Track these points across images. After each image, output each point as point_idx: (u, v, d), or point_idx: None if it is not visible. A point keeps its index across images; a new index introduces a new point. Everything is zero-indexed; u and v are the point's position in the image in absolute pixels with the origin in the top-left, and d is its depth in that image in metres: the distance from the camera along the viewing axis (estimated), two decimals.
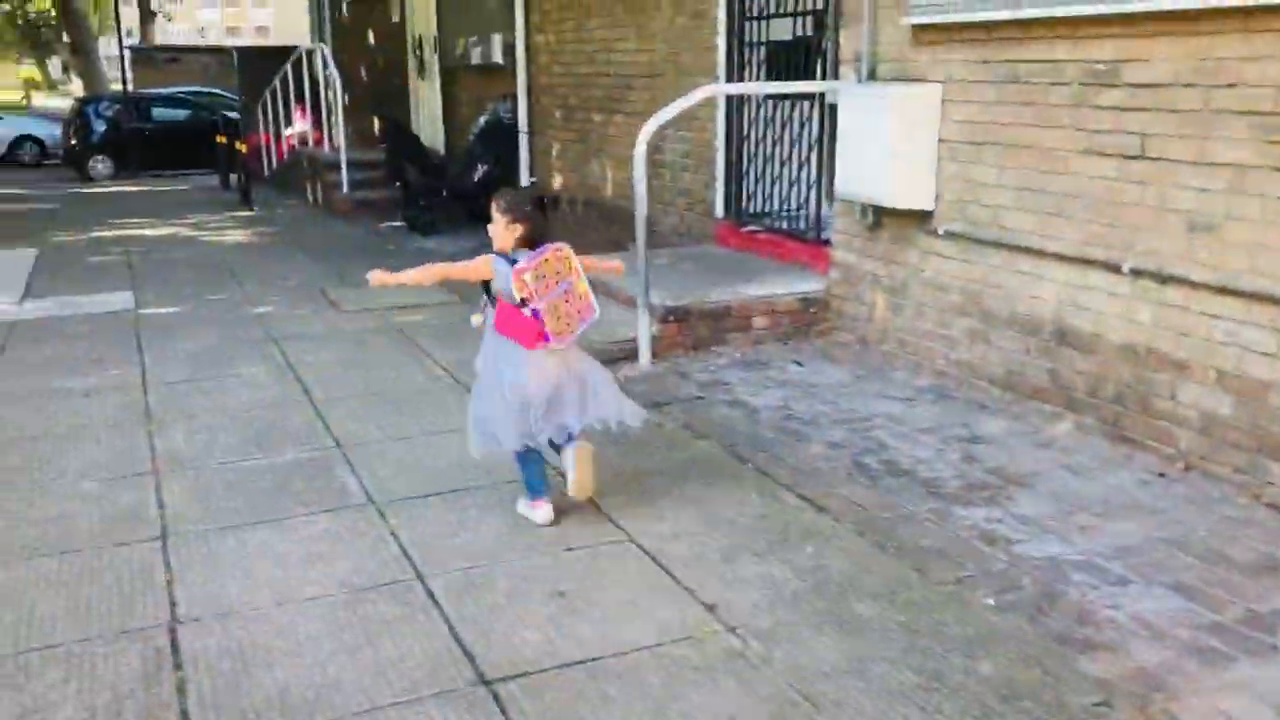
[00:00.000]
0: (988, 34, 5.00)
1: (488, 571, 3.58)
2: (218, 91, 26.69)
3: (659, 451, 4.63)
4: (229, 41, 71.80)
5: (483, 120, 10.78)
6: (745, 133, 7.15)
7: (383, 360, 6.07)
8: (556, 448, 3.89)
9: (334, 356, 6.18)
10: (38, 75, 72.34)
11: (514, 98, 10.50)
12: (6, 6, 62.72)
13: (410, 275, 3.96)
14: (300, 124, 18.01)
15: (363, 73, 16.17)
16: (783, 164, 6.76)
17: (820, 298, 6.22)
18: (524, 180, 10.51)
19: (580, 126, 9.39)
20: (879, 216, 5.78)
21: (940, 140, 5.34)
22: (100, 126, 21.15)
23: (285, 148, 16.61)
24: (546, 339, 3.74)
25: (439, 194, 10.84)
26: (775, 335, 6.18)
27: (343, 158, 12.15)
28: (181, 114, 22.16)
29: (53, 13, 48.20)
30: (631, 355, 5.87)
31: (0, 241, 10.68)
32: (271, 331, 6.78)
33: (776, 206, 6.96)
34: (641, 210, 5.80)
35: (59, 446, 4.76)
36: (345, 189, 12.15)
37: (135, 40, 44.04)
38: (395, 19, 14.40)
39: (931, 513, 3.93)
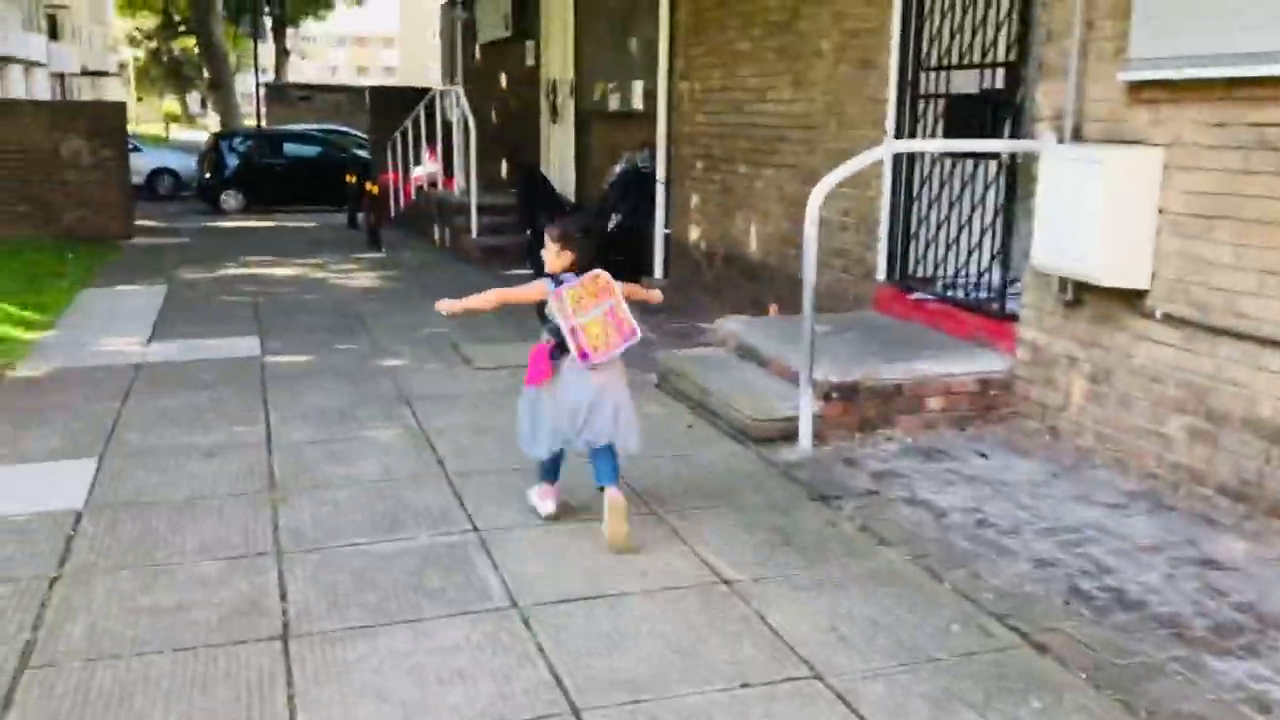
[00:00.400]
0: (1228, 92, 4.36)
1: (653, 710, 3.04)
2: (347, 130, 27.11)
3: (836, 558, 4.05)
4: (357, 80, 73.90)
5: (619, 168, 10.39)
6: (915, 192, 6.57)
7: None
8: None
9: (467, 420, 5.75)
10: (178, 110, 75.37)
11: (652, 146, 10.09)
12: (154, 44, 65.55)
13: (474, 301, 4.39)
14: (429, 165, 18.00)
15: (493, 116, 16.01)
16: (961, 228, 6.15)
17: (1003, 379, 5.58)
18: (659, 233, 10.07)
19: (724, 178, 8.91)
20: (1079, 292, 5.13)
21: (1160, 211, 4.69)
22: (232, 161, 21.49)
23: (412, 189, 16.54)
24: (585, 356, 4.04)
25: None
26: (951, 419, 5.55)
27: (473, 201, 11.90)
28: (312, 150, 22.42)
29: (195, 50, 50.08)
30: (790, 435, 5.31)
31: (133, 276, 10.64)
32: (401, 388, 6.40)
33: (949, 273, 6.35)
34: (810, 276, 5.25)
35: (178, 518, 4.38)
36: (475, 234, 11.88)
37: (270, 77, 45.43)
38: (530, 63, 14.19)
39: (1180, 664, 3.27)
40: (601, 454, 4.16)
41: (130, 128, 17.63)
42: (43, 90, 54.97)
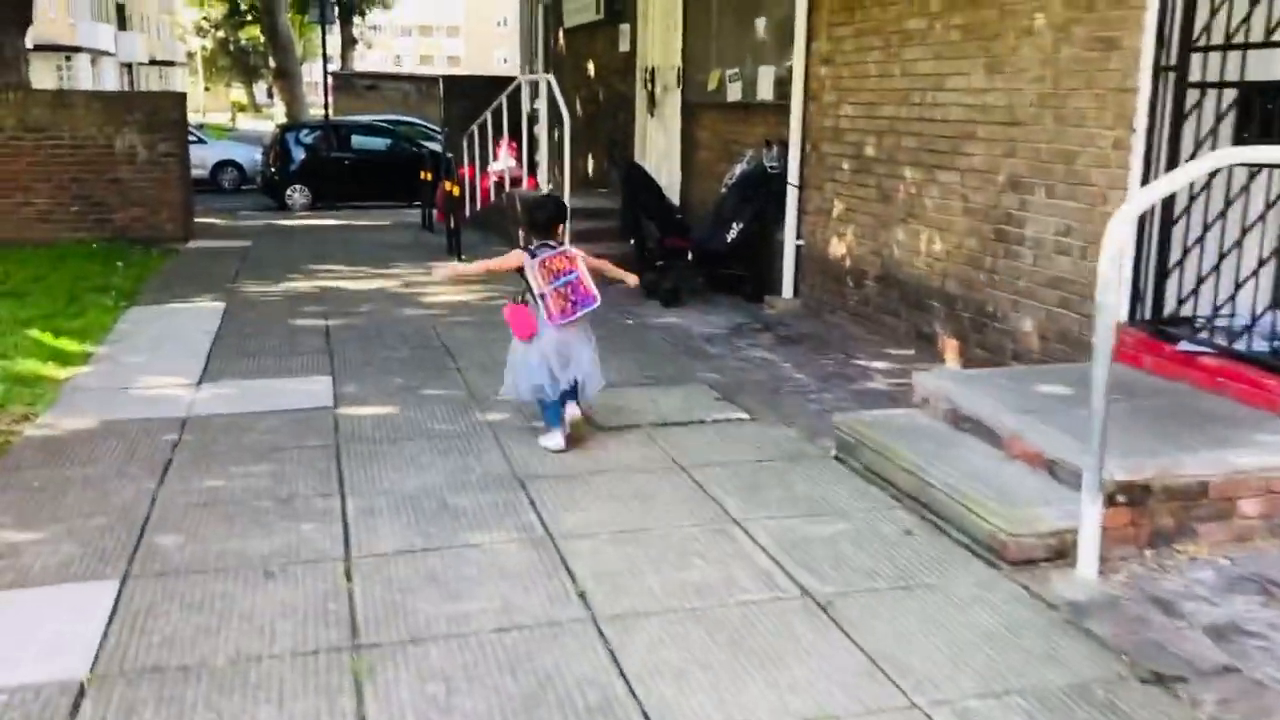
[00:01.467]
0: None
1: None
2: (417, 121, 25.88)
3: None
4: (421, 70, 72.94)
5: (740, 169, 8.89)
6: (1179, 209, 5.00)
7: (676, 532, 4.16)
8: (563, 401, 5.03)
9: (607, 516, 4.31)
10: (244, 99, 75.04)
11: (783, 143, 8.57)
12: (220, 34, 65.13)
13: (464, 269, 6.17)
14: (507, 160, 16.64)
15: (579, 107, 14.56)
16: (1262, 262, 4.58)
17: None
18: (790, 245, 8.55)
19: (881, 183, 7.38)
20: None
21: None
22: (299, 154, 20.34)
23: (490, 186, 15.18)
24: (552, 318, 4.91)
25: (682, 255, 9.00)
26: (1272, 528, 4.01)
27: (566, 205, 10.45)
28: (381, 143, 21.21)
29: (261, 39, 49.30)
30: (1059, 554, 3.80)
31: (188, 289, 9.35)
32: (512, 458, 4.98)
33: (1229, 319, 4.79)
34: (1106, 325, 3.68)
35: (218, 698, 2.99)
36: (567, 242, 10.43)
37: (335, 66, 44.45)
38: (624, 48, 12.71)
39: None
40: (565, 395, 5.02)
41: (196, 117, 16.55)
42: (110, 80, 54.64)
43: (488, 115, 14.06)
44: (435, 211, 14.09)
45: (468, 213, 16.02)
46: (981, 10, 6.24)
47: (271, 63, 27.50)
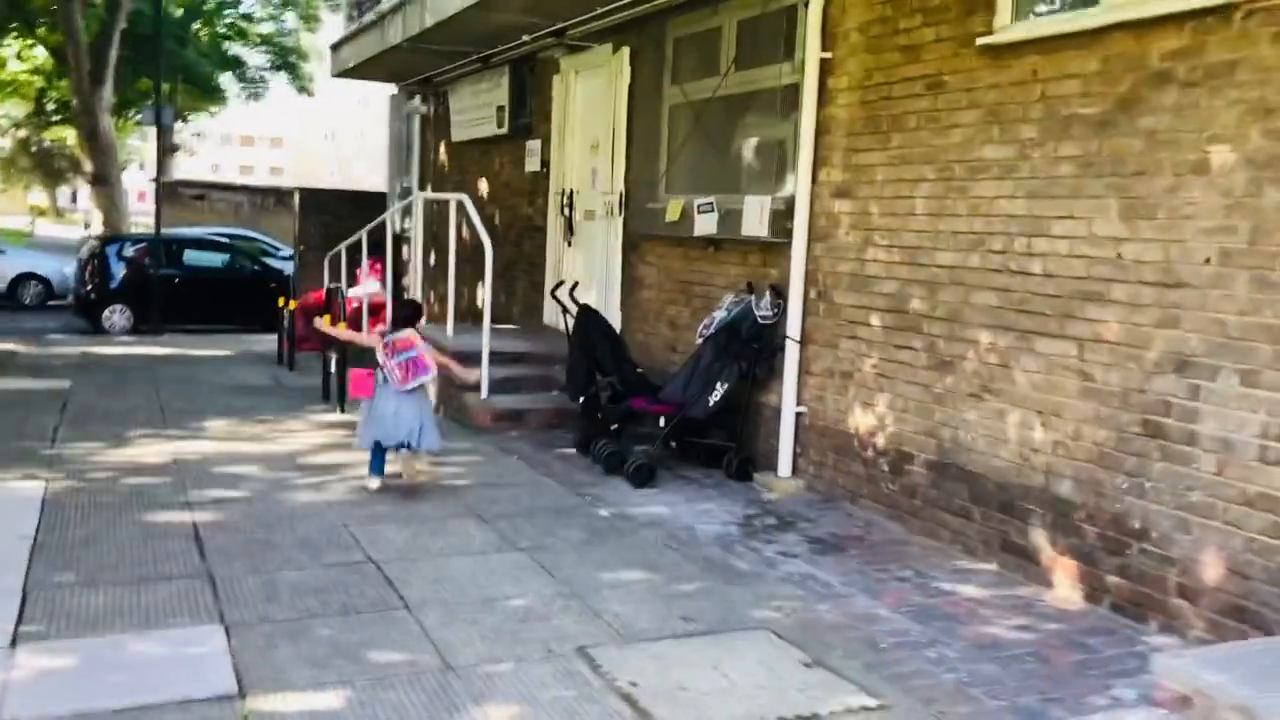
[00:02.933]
0: None
1: None
2: (256, 235, 23.47)
3: None
4: (242, 180, 69.45)
5: (720, 316, 7.23)
6: None
7: None
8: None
9: None
10: (44, 203, 69.68)
11: (775, 290, 6.99)
12: (22, 134, 60.36)
13: (336, 332, 7.80)
14: (370, 283, 14.65)
15: (465, 232, 12.76)
16: None
17: None
18: (788, 410, 6.90)
19: (935, 346, 5.84)
20: None
21: None
22: (120, 270, 17.68)
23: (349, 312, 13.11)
24: (396, 384, 6.32)
25: (648, 422, 7.22)
26: None
27: (485, 345, 8.55)
28: (217, 260, 18.82)
29: (67, 141, 45.45)
30: None
31: None
32: None
33: None
34: None
35: None
36: (485, 391, 8.52)
37: (151, 174, 41.20)
38: (532, 167, 11.05)
39: None
40: (403, 447, 6.42)
41: None
42: None
43: (363, 234, 12.08)
44: (290, 343, 11.88)
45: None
46: (1114, 138, 4.83)
47: (87, 166, 24.61)
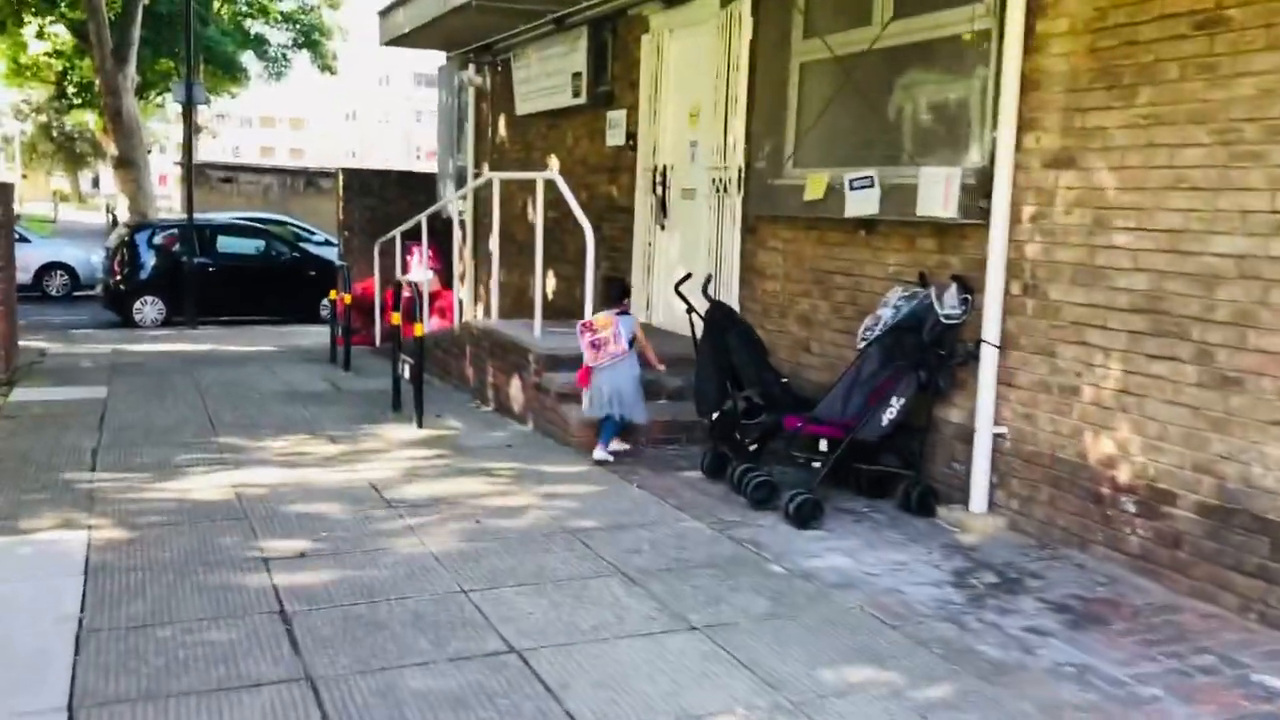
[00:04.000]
0: None
1: None
2: (290, 220, 22.25)
3: None
4: (266, 163, 68.10)
5: (887, 314, 5.93)
6: None
7: None
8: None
9: None
10: (67, 188, 68.75)
11: (963, 281, 5.69)
12: (43, 118, 59.34)
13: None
14: (420, 270, 13.44)
15: (532, 217, 11.49)
16: None
17: None
18: (983, 431, 5.61)
19: (1214, 357, 4.53)
20: None
21: None
22: (151, 259, 16.50)
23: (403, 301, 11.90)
24: (594, 360, 6.71)
25: (810, 446, 5.92)
26: None
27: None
28: (252, 246, 17.57)
29: (89, 124, 44.24)
30: None
31: (10, 495, 5.73)
32: None
33: None
34: None
35: None
36: (588, 404, 7.26)
37: (177, 157, 40.02)
38: (614, 141, 9.75)
39: None
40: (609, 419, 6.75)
41: (14, 208, 12.70)
42: None
43: (423, 219, 10.85)
44: (343, 337, 10.64)
45: (376, 339, 12.69)
46: None
47: (112, 149, 23.38)
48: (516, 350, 8.16)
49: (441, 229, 13.18)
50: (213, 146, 62.60)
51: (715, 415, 6.28)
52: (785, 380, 6.29)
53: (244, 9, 41.85)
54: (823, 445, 5.78)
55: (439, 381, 9.66)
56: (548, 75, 10.71)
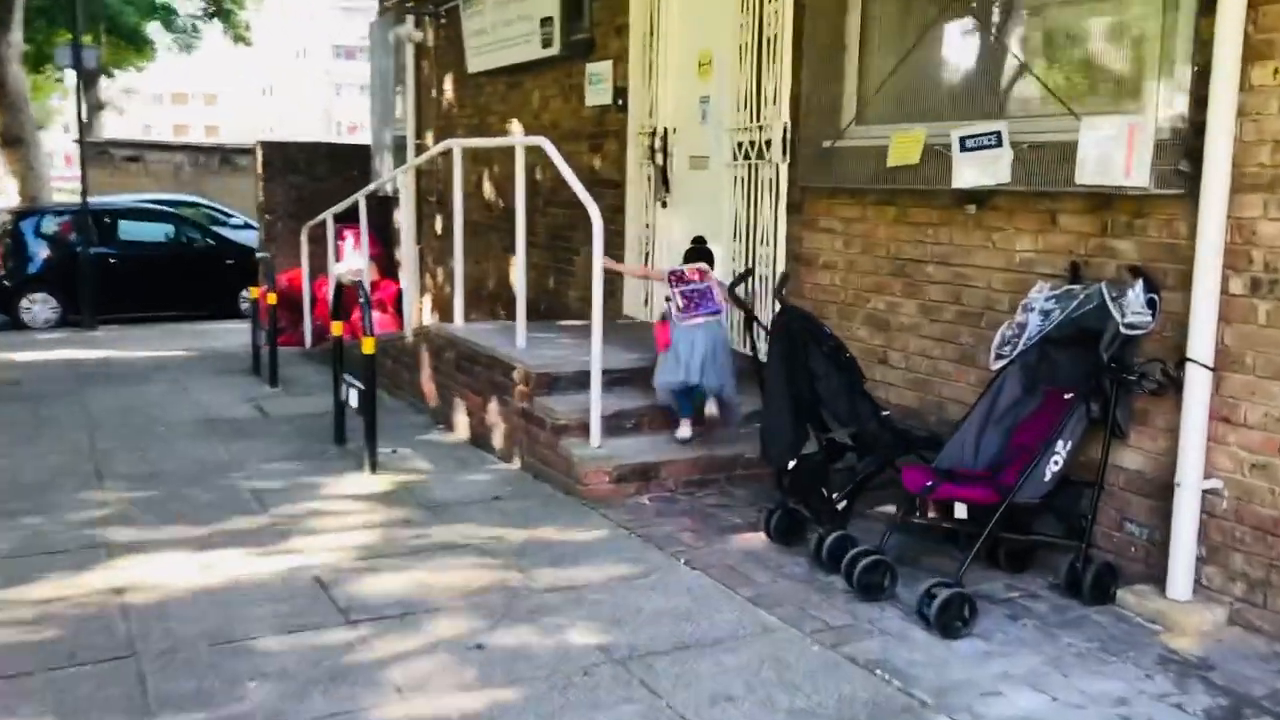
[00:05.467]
0: None
1: None
2: (203, 202, 19.95)
3: None
4: (173, 140, 64.10)
5: (1034, 320, 4.24)
6: None
7: None
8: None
9: None
10: None
11: (1146, 276, 4.02)
12: None
13: (624, 268, 6.96)
14: (353, 258, 11.60)
15: (493, 193, 9.63)
16: None
17: None
18: (1192, 486, 3.95)
19: None
20: None
21: None
22: (41, 250, 14.25)
23: (326, 295, 10.01)
24: (680, 314, 5.44)
25: (967, 511, 4.19)
26: None
27: (595, 361, 5.49)
28: (159, 232, 15.37)
29: None
30: None
31: None
32: None
33: None
34: None
35: None
36: (596, 438, 5.49)
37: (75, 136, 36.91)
38: (597, 100, 7.93)
39: None
40: (695, 390, 5.50)
41: None
42: None
43: (360, 198, 8.94)
44: (271, 347, 8.68)
45: (307, 339, 10.76)
46: None
47: None
48: (495, 365, 6.34)
49: (378, 208, 11.26)
50: (120, 124, 58.95)
51: (790, 465, 4.54)
52: (886, 413, 4.55)
53: None
54: (959, 511, 4.08)
55: (388, 397, 7.78)
56: (507, 23, 8.82)
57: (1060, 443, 4.00)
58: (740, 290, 5.45)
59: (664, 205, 7.29)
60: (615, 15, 7.67)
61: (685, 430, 5.59)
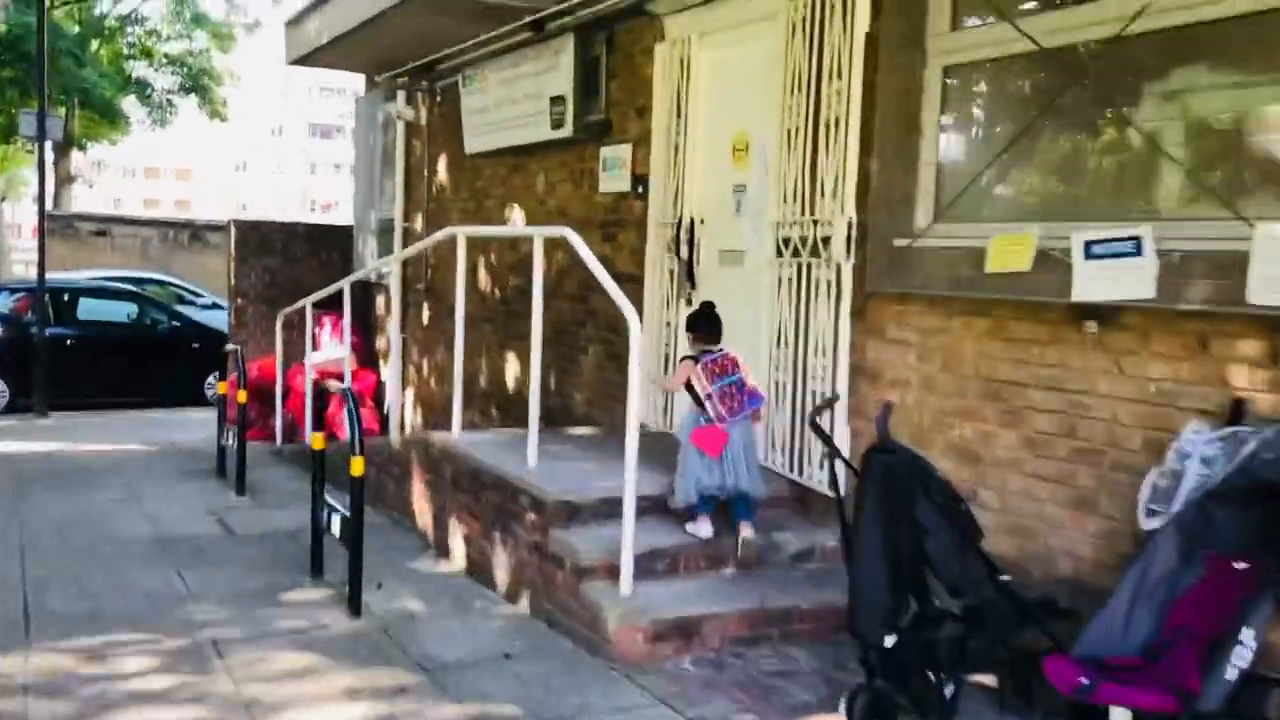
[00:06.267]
0: None
1: None
2: (168, 279, 19.00)
3: None
4: (141, 214, 62.84)
5: (1195, 469, 3.42)
6: None
7: None
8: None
9: None
10: None
11: None
12: None
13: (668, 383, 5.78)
14: (334, 348, 10.75)
15: (486, 284, 8.80)
16: None
17: None
18: None
19: None
20: None
21: None
22: None
23: (301, 389, 9.09)
24: (722, 418, 4.77)
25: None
26: None
27: (629, 495, 4.56)
28: (122, 312, 14.36)
29: None
30: None
31: None
32: None
33: None
34: None
35: None
36: (628, 586, 4.56)
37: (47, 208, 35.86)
38: (612, 186, 7.17)
39: None
40: (739, 499, 4.86)
41: None
42: None
43: (345, 285, 8.08)
44: (239, 446, 7.71)
45: (278, 434, 9.81)
46: None
47: None
48: (503, 488, 5.42)
49: (359, 294, 10.39)
50: (90, 197, 58.00)
51: (887, 640, 3.64)
52: (1007, 578, 3.67)
53: (125, 50, 38.26)
54: (1119, 716, 3.19)
55: (370, 510, 6.78)
56: (513, 102, 8.07)
57: (1246, 631, 3.14)
58: (885, 419, 4.30)
59: (689, 303, 6.46)
60: (635, 96, 6.94)
61: (706, 527, 4.95)
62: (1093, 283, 3.83)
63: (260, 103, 76.58)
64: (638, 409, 4.62)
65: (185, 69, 38.77)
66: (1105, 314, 3.98)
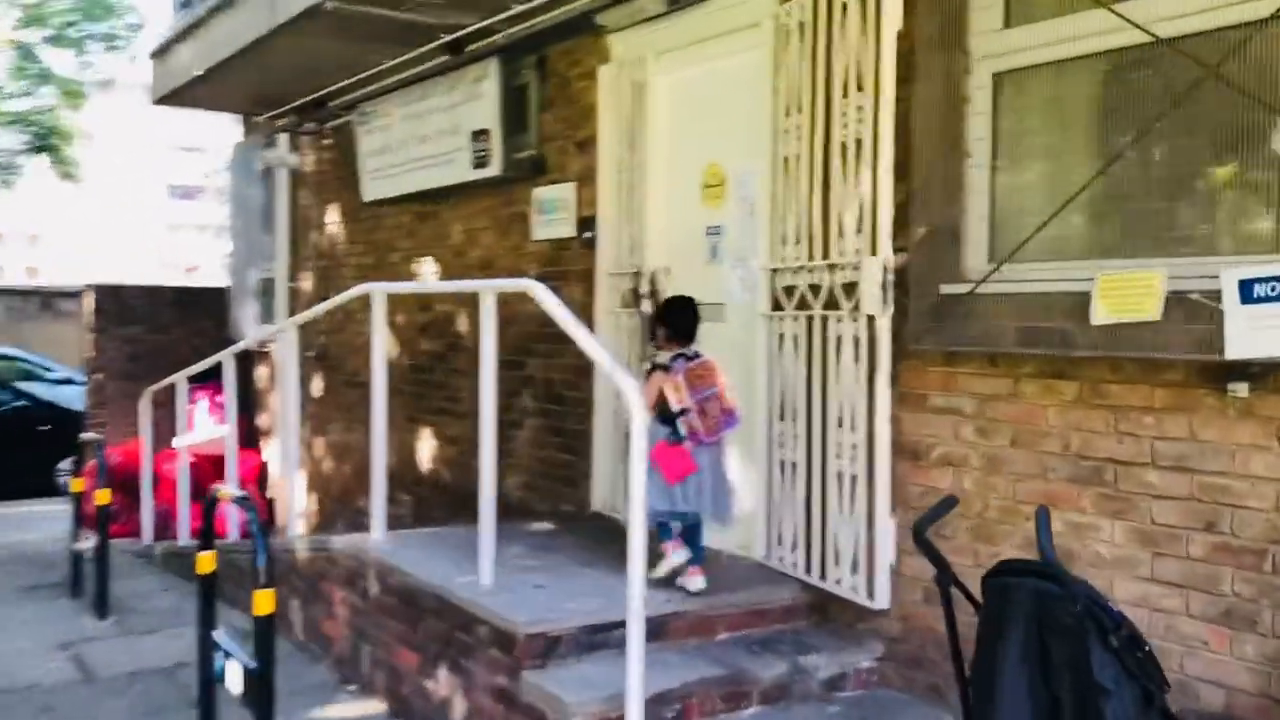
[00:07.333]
0: None
1: None
2: (14, 353, 16.95)
3: None
4: None
5: None
6: None
7: None
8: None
9: None
10: None
11: None
12: None
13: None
14: (212, 425, 9.44)
15: (396, 351, 7.58)
16: None
17: None
18: None
19: None
20: None
21: None
22: None
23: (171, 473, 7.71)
24: (708, 434, 4.04)
25: None
26: None
27: (635, 625, 3.43)
28: None
29: None
30: None
31: None
32: None
33: None
34: None
35: None
36: None
37: None
38: (550, 233, 6.10)
39: None
40: (694, 528, 4.18)
41: None
42: None
43: (227, 357, 6.78)
44: (101, 549, 6.26)
45: (147, 531, 8.35)
46: None
47: None
48: (449, 615, 4.21)
49: (236, 364, 9.02)
50: None
51: None
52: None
53: None
54: None
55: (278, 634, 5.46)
56: (422, 140, 6.94)
57: None
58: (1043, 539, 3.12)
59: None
60: (575, 128, 5.91)
61: (699, 579, 4.16)
62: (1256, 334, 2.93)
63: (116, 163, 72.99)
64: (641, 505, 3.51)
65: (33, 128, 36.25)
66: (1257, 373, 3.08)
